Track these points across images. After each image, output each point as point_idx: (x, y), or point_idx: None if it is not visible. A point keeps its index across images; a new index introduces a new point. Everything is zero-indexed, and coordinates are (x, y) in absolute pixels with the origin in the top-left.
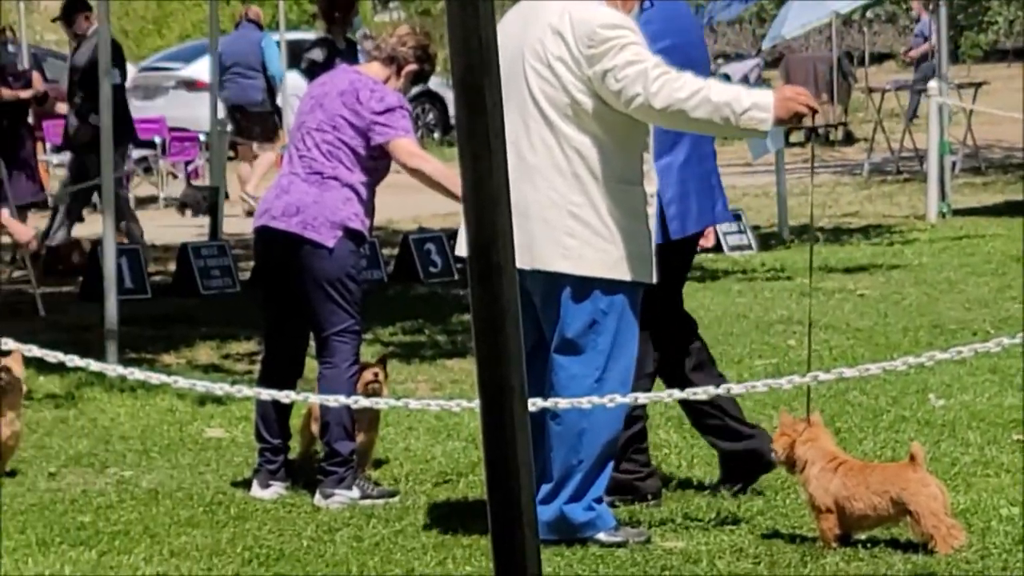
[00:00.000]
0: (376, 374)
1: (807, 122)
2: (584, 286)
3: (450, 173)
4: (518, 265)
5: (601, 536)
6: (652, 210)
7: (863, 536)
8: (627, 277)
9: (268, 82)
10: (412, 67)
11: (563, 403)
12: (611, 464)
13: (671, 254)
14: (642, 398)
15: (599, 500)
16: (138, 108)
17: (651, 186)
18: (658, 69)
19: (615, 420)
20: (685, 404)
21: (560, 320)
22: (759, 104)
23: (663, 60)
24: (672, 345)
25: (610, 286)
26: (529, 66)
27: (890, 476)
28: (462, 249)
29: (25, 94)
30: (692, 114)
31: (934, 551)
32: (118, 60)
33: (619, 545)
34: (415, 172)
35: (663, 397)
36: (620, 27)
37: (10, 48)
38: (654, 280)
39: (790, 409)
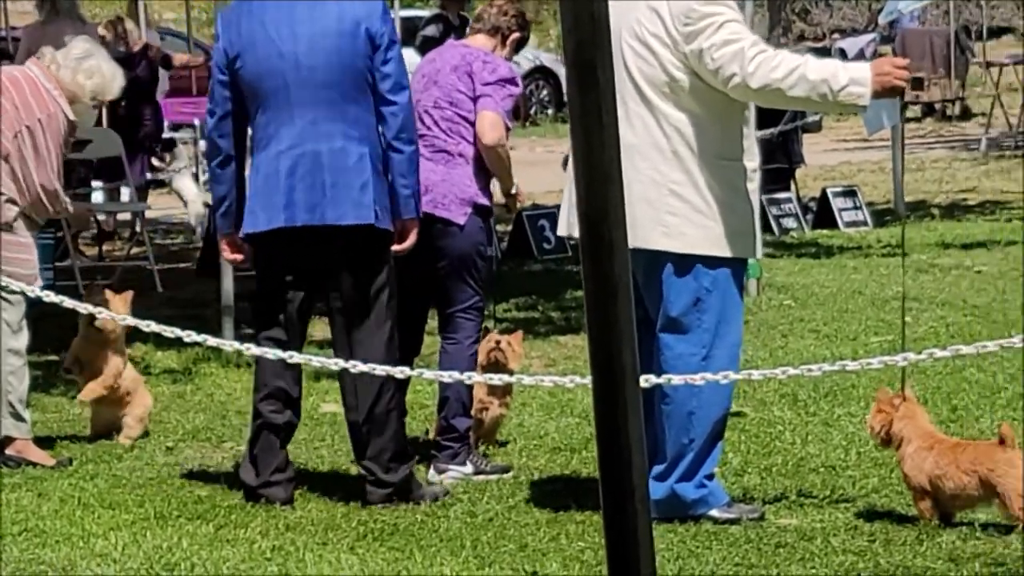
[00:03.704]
0: (498, 341)
1: (924, 97)
2: (686, 264)
3: (509, 166)
4: None
5: (715, 513)
6: (753, 185)
7: (982, 516)
8: (729, 253)
9: None
10: (516, 35)
11: (676, 379)
12: (722, 442)
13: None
14: (755, 375)
15: (710, 477)
16: None
17: (751, 161)
18: (755, 48)
19: (724, 398)
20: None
21: (664, 299)
22: (856, 79)
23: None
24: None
25: (712, 263)
26: (626, 44)
27: (979, 455)
28: (563, 229)
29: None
30: (789, 93)
31: None
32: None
33: (732, 522)
34: (489, 149)
35: (776, 374)
36: (717, 3)
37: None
38: (758, 255)
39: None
